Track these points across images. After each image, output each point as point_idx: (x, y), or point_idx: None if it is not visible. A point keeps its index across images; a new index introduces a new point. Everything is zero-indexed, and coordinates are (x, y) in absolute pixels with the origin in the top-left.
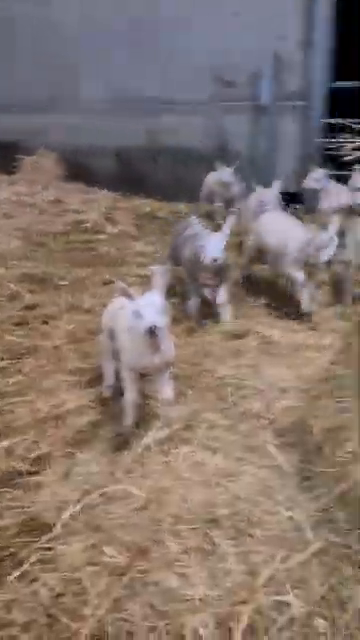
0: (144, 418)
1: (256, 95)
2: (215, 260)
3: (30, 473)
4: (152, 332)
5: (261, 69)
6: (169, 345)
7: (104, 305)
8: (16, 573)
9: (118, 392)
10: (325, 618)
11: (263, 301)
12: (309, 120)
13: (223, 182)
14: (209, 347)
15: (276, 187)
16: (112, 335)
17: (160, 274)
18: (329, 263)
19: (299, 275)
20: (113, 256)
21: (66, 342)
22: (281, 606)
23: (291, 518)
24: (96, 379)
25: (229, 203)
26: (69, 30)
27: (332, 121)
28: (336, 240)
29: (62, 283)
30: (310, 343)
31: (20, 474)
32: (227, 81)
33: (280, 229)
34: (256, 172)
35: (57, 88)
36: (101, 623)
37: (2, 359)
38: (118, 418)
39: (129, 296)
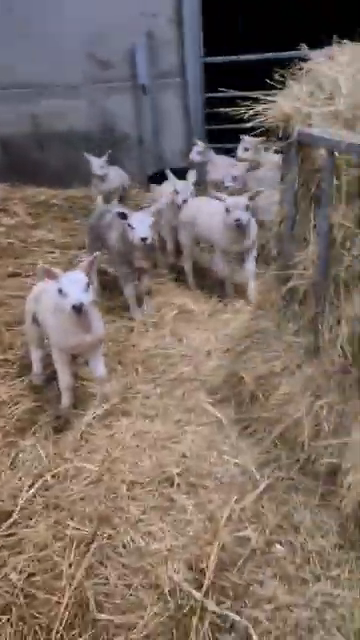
0: (80, 398)
1: (134, 74)
2: (144, 239)
3: None
4: (78, 309)
5: (135, 48)
6: (98, 323)
7: (14, 297)
8: None
9: (49, 378)
10: (282, 543)
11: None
12: (188, 96)
13: (96, 175)
14: (130, 323)
15: (192, 177)
16: (37, 321)
17: (89, 260)
18: None
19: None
20: (15, 247)
21: None
22: (242, 541)
23: (237, 464)
24: (24, 368)
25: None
26: None
27: (218, 95)
28: None
29: None
30: (224, 308)
31: None
32: (102, 61)
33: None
34: (144, 151)
35: None
36: (78, 590)
37: None
38: (54, 402)
39: (53, 276)
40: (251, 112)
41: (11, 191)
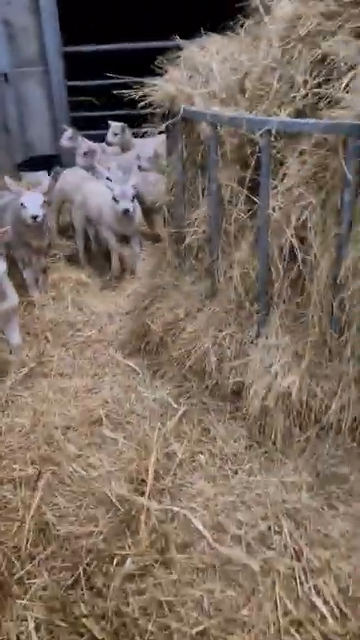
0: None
1: None
2: (35, 217)
3: None
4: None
5: None
6: (11, 293)
7: None
8: None
9: None
10: (203, 453)
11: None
12: (51, 85)
13: None
14: (31, 299)
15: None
16: None
17: None
18: None
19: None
20: None
21: None
22: (171, 455)
23: (155, 400)
24: None
25: None
26: None
27: (77, 84)
28: None
29: None
30: (115, 281)
31: None
32: None
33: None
34: (11, 140)
35: None
36: (36, 515)
37: None
38: None
39: None
40: (140, 94)
41: None
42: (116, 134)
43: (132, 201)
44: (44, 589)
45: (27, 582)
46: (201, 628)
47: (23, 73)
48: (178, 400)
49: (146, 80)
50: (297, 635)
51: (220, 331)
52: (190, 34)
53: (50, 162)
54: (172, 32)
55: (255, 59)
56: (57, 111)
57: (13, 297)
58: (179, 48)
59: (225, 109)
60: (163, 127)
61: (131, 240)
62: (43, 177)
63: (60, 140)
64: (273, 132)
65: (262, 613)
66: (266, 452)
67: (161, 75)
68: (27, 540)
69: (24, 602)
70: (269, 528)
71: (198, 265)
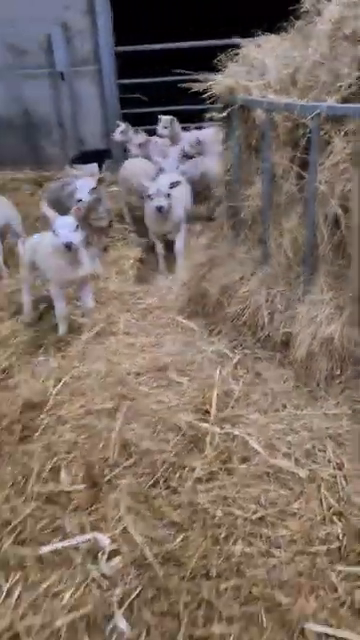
0: (72, 327)
1: (51, 62)
2: (79, 200)
3: (4, 380)
4: (68, 247)
5: (52, 37)
6: (86, 261)
7: None
8: (36, 434)
9: (36, 318)
10: (256, 392)
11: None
12: (103, 82)
13: None
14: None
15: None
16: (34, 266)
17: (76, 208)
18: None
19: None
20: None
21: None
22: (229, 392)
23: (213, 352)
24: (13, 314)
25: None
26: None
27: (132, 81)
28: None
29: None
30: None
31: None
32: (20, 49)
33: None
34: (65, 135)
35: None
36: (118, 436)
37: None
38: (51, 332)
39: (50, 217)
40: (204, 87)
41: None
42: (166, 127)
43: (168, 197)
44: (130, 487)
45: (116, 482)
46: (259, 515)
47: (78, 72)
48: (233, 351)
49: (201, 76)
50: (339, 522)
51: (271, 289)
52: (247, 34)
53: (101, 156)
54: (231, 32)
55: (305, 55)
56: (108, 107)
57: (88, 266)
58: (233, 46)
59: (280, 97)
60: (221, 115)
61: (176, 237)
62: (94, 169)
63: (113, 134)
64: (322, 115)
65: (309, 506)
66: (311, 391)
67: (220, 71)
68: (113, 452)
69: (114, 495)
70: (314, 447)
71: (251, 236)
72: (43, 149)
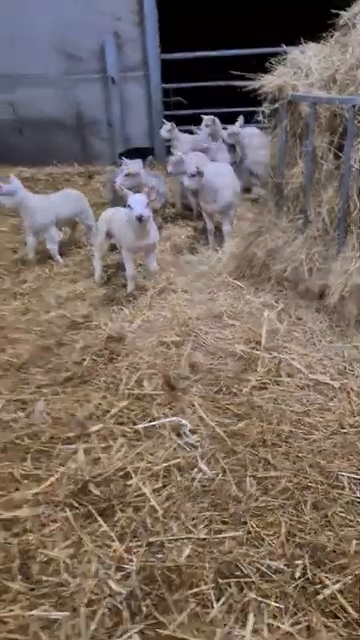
0: (137, 285)
1: (103, 68)
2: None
3: (86, 323)
4: (140, 219)
5: (104, 45)
6: (154, 232)
7: None
8: (120, 357)
9: (105, 279)
10: (296, 331)
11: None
12: (149, 87)
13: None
14: None
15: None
16: (108, 235)
17: (149, 187)
18: None
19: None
20: None
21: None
22: (275, 331)
23: (260, 303)
24: (84, 276)
25: None
26: None
27: (169, 86)
28: None
29: (2, 229)
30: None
31: (80, 324)
32: (76, 56)
33: None
34: (113, 133)
35: None
36: (187, 359)
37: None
38: (120, 290)
39: (125, 195)
40: (257, 85)
41: None
42: (207, 125)
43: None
44: (199, 392)
45: (188, 389)
46: (304, 410)
47: (126, 77)
48: (277, 302)
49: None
50: None
51: (310, 250)
52: (292, 43)
53: (145, 153)
54: (280, 41)
55: (343, 59)
56: (153, 109)
57: (155, 236)
58: (274, 54)
59: (322, 93)
60: (272, 108)
61: (223, 220)
62: (139, 164)
63: (160, 132)
64: (356, 107)
65: (342, 404)
66: (342, 330)
67: (269, 73)
68: (184, 369)
69: (188, 397)
70: (345, 368)
71: (292, 208)
72: (92, 146)
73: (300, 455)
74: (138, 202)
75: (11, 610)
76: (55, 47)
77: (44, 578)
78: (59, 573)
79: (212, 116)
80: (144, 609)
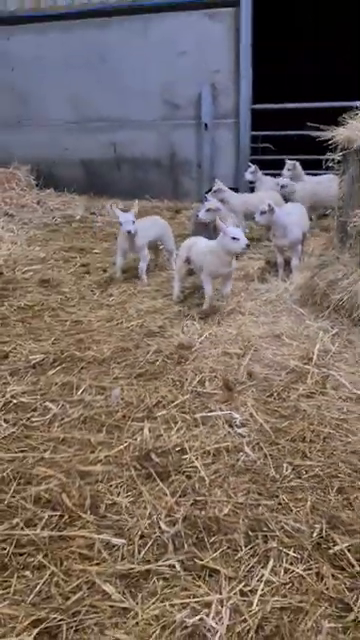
0: (212, 305)
1: (198, 115)
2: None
3: (161, 332)
4: (247, 247)
5: (201, 95)
6: (233, 262)
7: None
8: (187, 362)
9: (182, 298)
10: (346, 353)
11: None
12: (239, 133)
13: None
14: None
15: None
16: (188, 261)
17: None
18: None
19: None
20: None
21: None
22: (327, 351)
23: (317, 327)
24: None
25: None
26: (34, 66)
27: (258, 133)
28: None
29: (95, 251)
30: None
31: (155, 333)
32: (175, 104)
33: None
34: (202, 173)
35: (26, 112)
36: (246, 368)
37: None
38: (195, 307)
39: (223, 228)
40: (329, 135)
41: (92, 200)
42: (289, 169)
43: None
44: (253, 395)
45: (244, 392)
46: (343, 417)
47: (219, 123)
48: (332, 327)
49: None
50: None
51: None
52: None
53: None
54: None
55: None
56: (240, 154)
57: (234, 263)
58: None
59: None
60: (340, 156)
61: (292, 255)
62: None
63: (245, 174)
64: None
65: None
66: None
67: (341, 125)
68: (242, 376)
69: (242, 398)
70: None
71: (355, 245)
72: (182, 185)
73: (334, 452)
74: (239, 233)
75: (81, 532)
76: (158, 96)
77: (108, 515)
78: (120, 513)
79: (294, 161)
80: (185, 546)
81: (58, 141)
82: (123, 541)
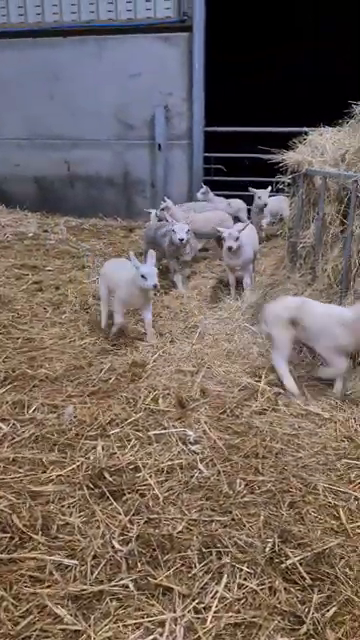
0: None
1: (152, 135)
2: (182, 240)
3: (114, 350)
4: (154, 287)
5: (155, 116)
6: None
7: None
8: (141, 380)
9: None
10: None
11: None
12: (192, 154)
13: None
14: (179, 292)
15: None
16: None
17: (151, 255)
18: None
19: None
20: (71, 252)
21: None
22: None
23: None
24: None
25: None
26: None
27: (211, 155)
28: None
29: (48, 269)
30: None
31: (109, 350)
32: (129, 125)
33: None
34: (156, 192)
35: None
36: (199, 385)
37: None
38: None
39: (136, 264)
40: (280, 158)
41: (45, 217)
42: (203, 193)
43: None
44: (206, 412)
45: (197, 409)
46: (294, 433)
47: (172, 144)
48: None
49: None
50: (347, 441)
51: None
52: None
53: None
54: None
55: (353, 143)
56: (194, 174)
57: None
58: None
59: (332, 169)
60: (289, 179)
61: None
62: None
63: (197, 194)
64: (358, 182)
65: (328, 432)
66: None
67: (291, 149)
68: (195, 392)
69: (196, 415)
70: (337, 403)
71: (304, 265)
72: (135, 203)
73: (286, 468)
74: (150, 272)
75: (32, 554)
76: (112, 116)
77: (60, 535)
78: (73, 533)
79: (206, 186)
80: (139, 565)
81: (9, 157)
82: (75, 562)
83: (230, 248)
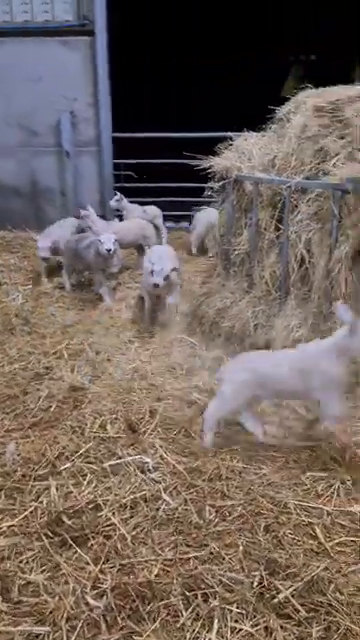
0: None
1: (59, 142)
2: (109, 250)
3: (49, 373)
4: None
5: (60, 122)
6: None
7: None
8: (84, 405)
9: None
10: None
11: None
12: (101, 161)
13: None
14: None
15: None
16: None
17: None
18: None
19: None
20: None
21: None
22: None
23: (210, 358)
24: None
25: None
26: None
27: (120, 162)
28: None
29: None
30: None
31: (42, 375)
32: (33, 131)
33: None
34: (66, 202)
35: None
36: (150, 408)
37: None
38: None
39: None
40: (208, 164)
41: None
42: (117, 200)
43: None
44: (159, 434)
45: (149, 432)
46: (254, 449)
47: (81, 151)
48: (227, 356)
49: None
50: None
51: (255, 308)
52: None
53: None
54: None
55: (280, 148)
56: (104, 182)
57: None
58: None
59: (263, 175)
60: (218, 186)
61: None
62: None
63: (110, 202)
64: (292, 188)
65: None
66: None
67: (217, 155)
68: (144, 414)
69: (150, 439)
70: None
71: (239, 272)
72: (45, 213)
73: (252, 487)
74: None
75: None
76: (14, 122)
77: (24, 599)
78: (38, 594)
79: (120, 194)
80: (120, 621)
81: None
82: (47, 629)
83: (156, 285)
